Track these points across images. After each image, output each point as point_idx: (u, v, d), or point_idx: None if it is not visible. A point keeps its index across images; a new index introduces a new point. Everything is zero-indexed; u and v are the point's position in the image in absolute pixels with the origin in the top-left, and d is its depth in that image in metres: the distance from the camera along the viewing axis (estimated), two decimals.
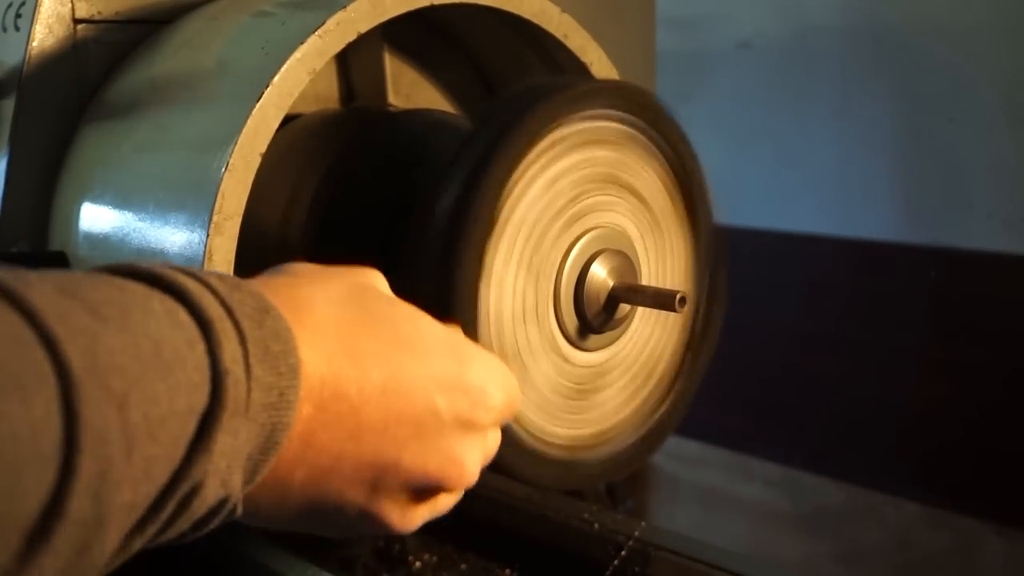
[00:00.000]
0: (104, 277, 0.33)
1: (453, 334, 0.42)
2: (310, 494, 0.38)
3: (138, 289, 0.33)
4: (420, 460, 0.39)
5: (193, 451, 0.31)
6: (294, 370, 0.35)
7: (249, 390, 0.33)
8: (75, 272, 0.33)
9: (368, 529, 0.41)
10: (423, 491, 0.40)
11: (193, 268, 0.36)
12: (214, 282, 0.35)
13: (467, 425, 0.40)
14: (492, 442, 0.43)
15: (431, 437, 0.39)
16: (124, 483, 0.29)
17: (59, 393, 0.28)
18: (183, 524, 0.33)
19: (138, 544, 0.31)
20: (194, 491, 0.32)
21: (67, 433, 0.28)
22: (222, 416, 0.32)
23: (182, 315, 0.33)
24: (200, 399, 0.32)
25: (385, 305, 0.41)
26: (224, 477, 0.33)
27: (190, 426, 0.31)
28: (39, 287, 0.30)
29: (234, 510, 0.35)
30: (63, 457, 0.28)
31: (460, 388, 0.40)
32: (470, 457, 0.41)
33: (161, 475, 0.31)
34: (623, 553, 0.66)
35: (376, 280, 0.43)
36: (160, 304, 0.32)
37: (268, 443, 0.35)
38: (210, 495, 0.33)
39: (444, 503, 0.42)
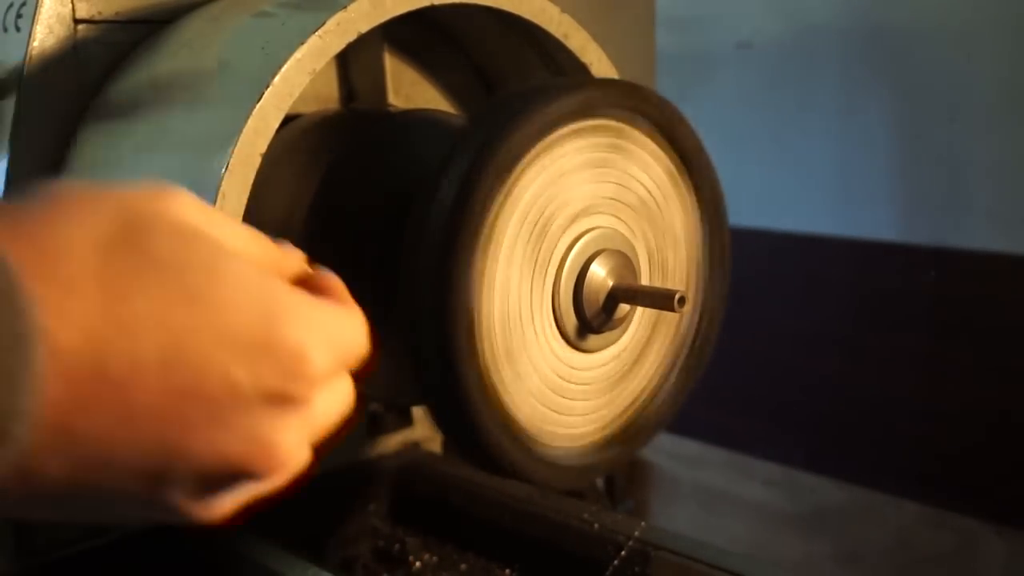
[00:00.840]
0: None
1: (265, 280, 0.33)
2: (76, 487, 0.31)
3: None
4: (215, 445, 0.31)
5: None
6: (24, 341, 0.28)
7: None
8: None
9: (161, 520, 0.34)
10: (223, 479, 0.33)
11: None
12: None
13: (278, 398, 0.32)
14: (323, 411, 0.34)
15: (228, 416, 0.31)
16: None
17: None
18: None
19: None
20: None
21: None
22: None
23: None
24: None
25: (171, 245, 0.31)
26: None
27: None
28: None
29: None
30: None
31: (267, 353, 0.32)
32: (285, 437, 0.33)
33: None
34: (623, 553, 0.66)
35: (174, 203, 0.33)
36: None
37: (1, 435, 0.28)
38: None
39: (261, 488, 0.34)
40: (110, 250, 0.30)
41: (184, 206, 0.33)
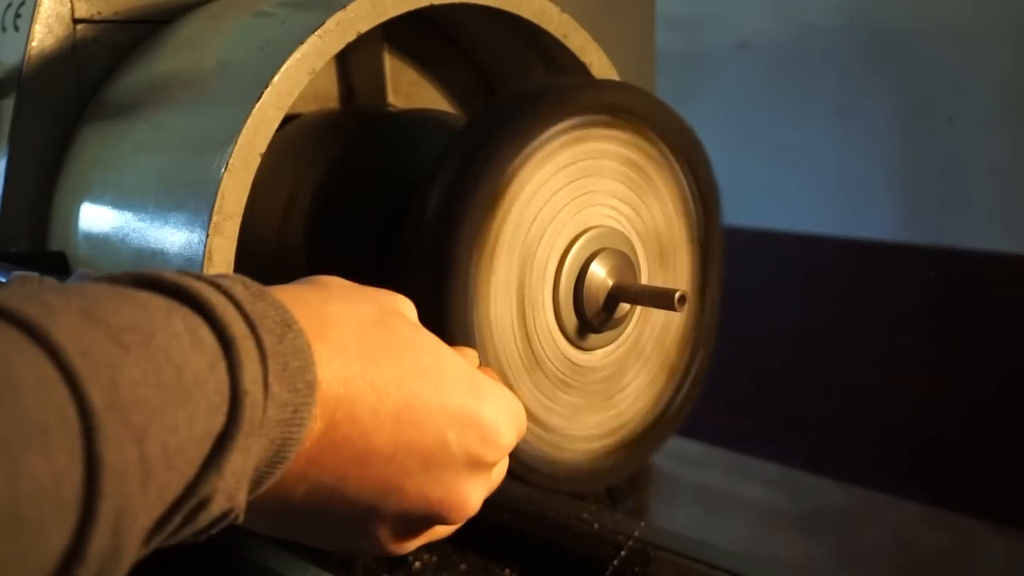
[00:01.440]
0: (128, 293, 0.32)
1: (472, 368, 0.42)
2: (308, 510, 0.38)
3: (161, 306, 0.32)
4: (423, 491, 0.39)
5: (204, 470, 0.31)
6: (311, 387, 0.35)
7: (265, 408, 0.33)
8: (99, 287, 0.32)
9: (360, 549, 0.41)
10: (421, 521, 0.40)
11: (217, 276, 0.35)
12: (238, 293, 0.34)
13: (475, 462, 0.40)
14: (497, 476, 0.43)
15: (438, 470, 0.39)
16: (140, 513, 0.29)
17: (81, 436, 0.28)
18: (185, 532, 0.33)
19: (141, 553, 0.31)
20: (201, 506, 0.32)
21: (88, 478, 0.28)
22: (237, 437, 0.32)
23: (204, 333, 0.32)
24: (218, 421, 0.32)
25: (409, 332, 0.40)
26: (232, 492, 0.33)
27: (205, 448, 0.31)
28: (63, 316, 0.29)
29: (236, 518, 0.35)
30: (84, 503, 0.28)
31: (473, 425, 0.40)
32: (474, 493, 0.41)
33: (173, 496, 0.31)
34: (623, 553, 0.65)
35: (404, 306, 0.43)
36: (183, 322, 0.32)
37: (276, 457, 0.35)
38: (216, 509, 0.33)
39: (440, 532, 0.42)
40: (368, 327, 0.39)
41: (411, 309, 0.43)
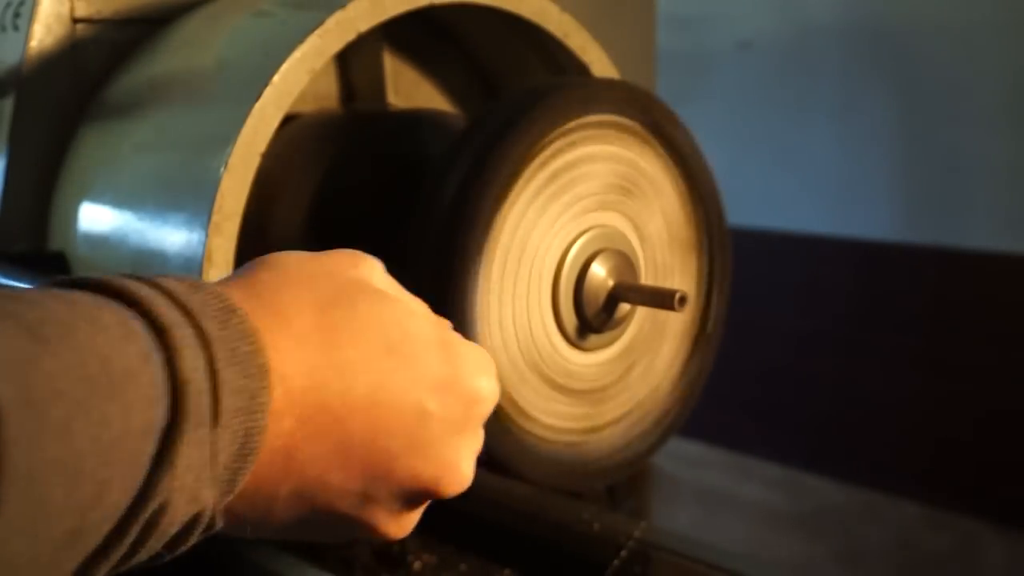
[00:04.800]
0: (50, 292, 0.31)
1: (441, 330, 0.40)
2: (298, 507, 0.36)
3: (86, 301, 0.30)
4: (413, 470, 0.38)
5: (154, 469, 0.30)
6: (264, 370, 0.33)
7: (217, 397, 0.31)
8: (17, 290, 0.31)
9: (361, 535, 0.39)
10: (416, 498, 0.39)
11: (151, 275, 0.34)
12: (171, 285, 0.33)
13: (460, 426, 0.39)
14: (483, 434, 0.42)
15: (423, 445, 0.38)
16: (66, 514, 0.28)
17: None
18: (154, 544, 0.31)
19: (103, 570, 0.30)
20: (161, 510, 0.30)
21: None
22: (185, 429, 0.30)
23: (135, 325, 0.30)
24: (159, 414, 0.30)
25: (372, 306, 0.38)
26: (193, 492, 0.31)
27: (149, 444, 0.30)
28: None
29: (212, 524, 0.33)
30: None
31: (451, 390, 0.38)
32: (465, 459, 0.39)
33: (118, 498, 0.29)
34: (623, 553, 0.65)
35: (367, 269, 0.40)
36: (111, 315, 0.30)
37: (243, 450, 0.33)
38: (179, 512, 0.31)
39: (438, 501, 0.41)
40: (328, 309, 0.36)
41: (376, 272, 0.40)
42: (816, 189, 1.57)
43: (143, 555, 0.31)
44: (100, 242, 0.63)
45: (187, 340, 0.31)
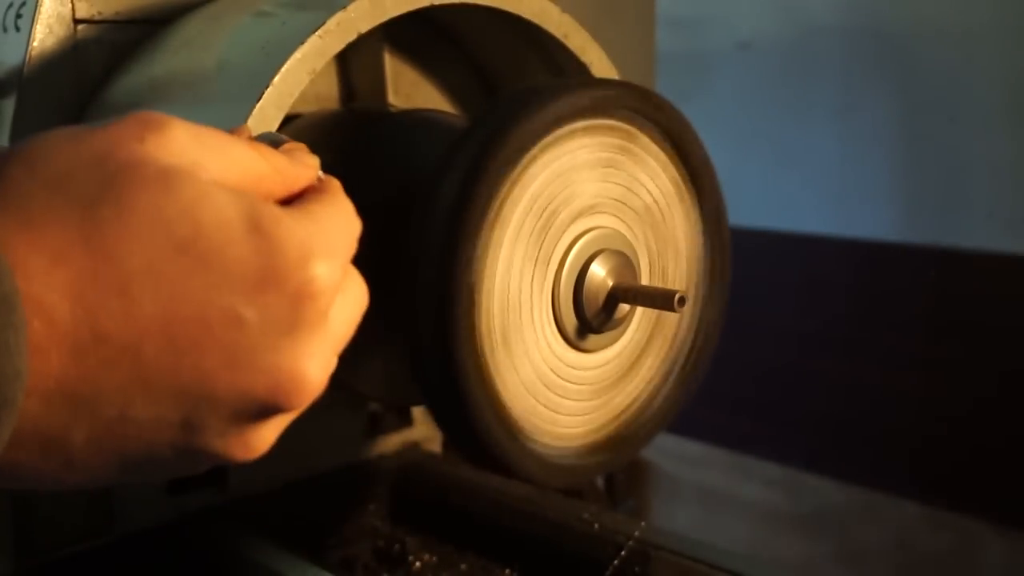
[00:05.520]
0: None
1: (252, 210, 0.31)
2: (106, 451, 0.31)
3: None
4: (239, 384, 0.31)
5: None
6: (7, 301, 0.27)
7: None
8: None
9: (204, 465, 0.33)
10: (255, 416, 0.32)
11: None
12: None
13: (293, 326, 0.31)
14: (340, 319, 0.34)
15: (245, 357, 0.31)
16: None
17: None
18: None
19: None
20: None
21: None
22: None
23: None
24: None
25: (155, 195, 0.30)
26: None
27: None
28: None
29: None
30: None
31: (271, 283, 0.31)
32: (306, 363, 0.32)
33: None
34: (623, 553, 0.65)
35: (158, 142, 0.31)
36: None
37: None
38: None
39: (294, 412, 0.34)
40: (91, 207, 0.29)
41: (169, 140, 0.31)
42: (816, 189, 1.57)
43: None
44: None
45: None
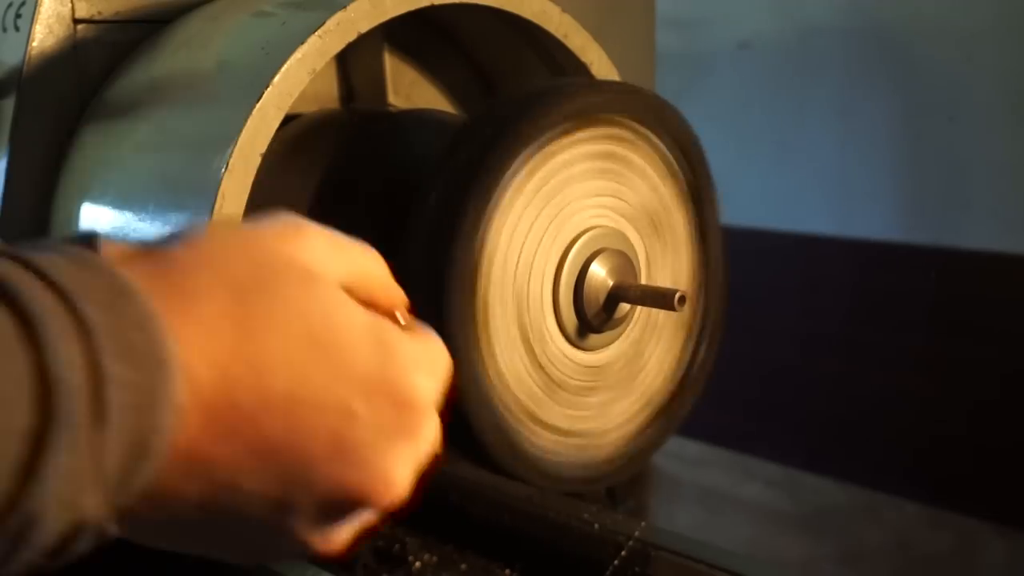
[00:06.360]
0: None
1: (372, 319, 0.35)
2: (207, 513, 0.33)
3: None
4: (336, 478, 0.33)
5: (18, 480, 0.27)
6: (163, 364, 0.29)
7: (99, 395, 0.28)
8: None
9: (282, 551, 0.36)
10: (342, 510, 0.35)
11: (40, 242, 0.30)
12: (47, 262, 0.29)
13: (394, 432, 0.34)
14: (427, 441, 0.36)
15: (349, 450, 0.33)
16: None
17: None
18: (28, 555, 0.28)
19: None
20: (29, 524, 0.27)
21: None
22: (57, 433, 0.27)
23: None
24: (24, 417, 0.27)
25: (298, 290, 0.34)
26: (70, 500, 0.28)
27: (13, 451, 0.27)
28: None
29: (104, 532, 0.30)
30: None
31: (383, 389, 0.34)
32: (399, 469, 0.34)
33: None
34: (623, 553, 0.65)
35: (303, 246, 0.35)
36: None
37: (140, 450, 0.29)
38: (53, 525, 0.28)
39: (375, 517, 0.36)
40: (242, 292, 0.32)
41: (311, 242, 0.35)
42: (816, 189, 1.57)
43: (16, 566, 0.29)
44: None
45: (61, 330, 0.28)
